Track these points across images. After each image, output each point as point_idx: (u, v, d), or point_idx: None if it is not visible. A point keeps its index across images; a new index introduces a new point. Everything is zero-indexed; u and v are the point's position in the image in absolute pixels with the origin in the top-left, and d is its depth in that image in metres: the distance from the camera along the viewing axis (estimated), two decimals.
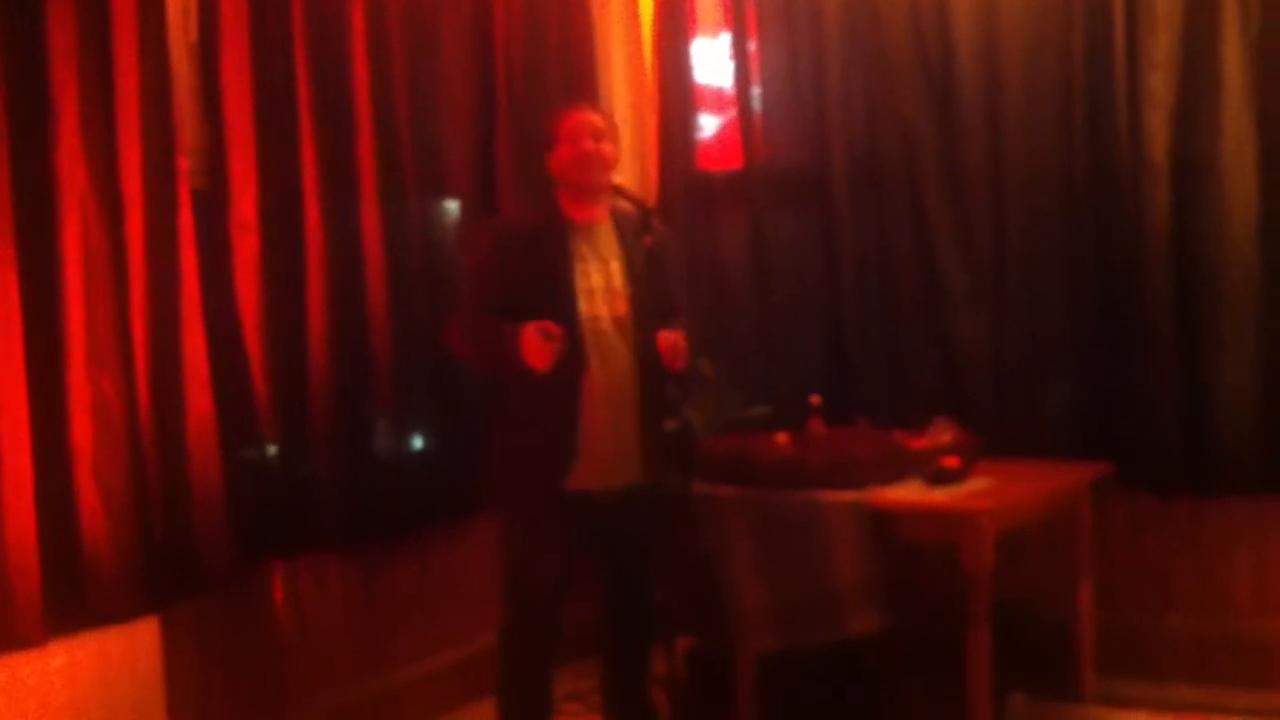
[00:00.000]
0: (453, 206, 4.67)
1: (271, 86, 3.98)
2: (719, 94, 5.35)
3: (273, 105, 3.98)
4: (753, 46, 5.13)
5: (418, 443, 4.51)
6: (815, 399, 4.42)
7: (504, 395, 3.76)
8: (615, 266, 3.73)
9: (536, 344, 3.49)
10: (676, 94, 5.25)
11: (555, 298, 3.61)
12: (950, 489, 3.97)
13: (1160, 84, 4.30)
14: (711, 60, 5.33)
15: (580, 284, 3.67)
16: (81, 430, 3.44)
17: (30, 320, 3.36)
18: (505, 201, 4.63)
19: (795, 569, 3.98)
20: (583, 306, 3.66)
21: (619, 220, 3.79)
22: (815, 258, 5.00)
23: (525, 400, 3.67)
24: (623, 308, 3.70)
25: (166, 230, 3.66)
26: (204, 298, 3.73)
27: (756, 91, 5.14)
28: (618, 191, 3.79)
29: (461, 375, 4.40)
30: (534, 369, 3.50)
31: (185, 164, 3.73)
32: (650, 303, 3.74)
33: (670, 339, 3.64)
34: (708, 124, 5.39)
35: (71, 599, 3.42)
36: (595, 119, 3.77)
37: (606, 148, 3.75)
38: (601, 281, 3.70)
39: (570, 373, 3.61)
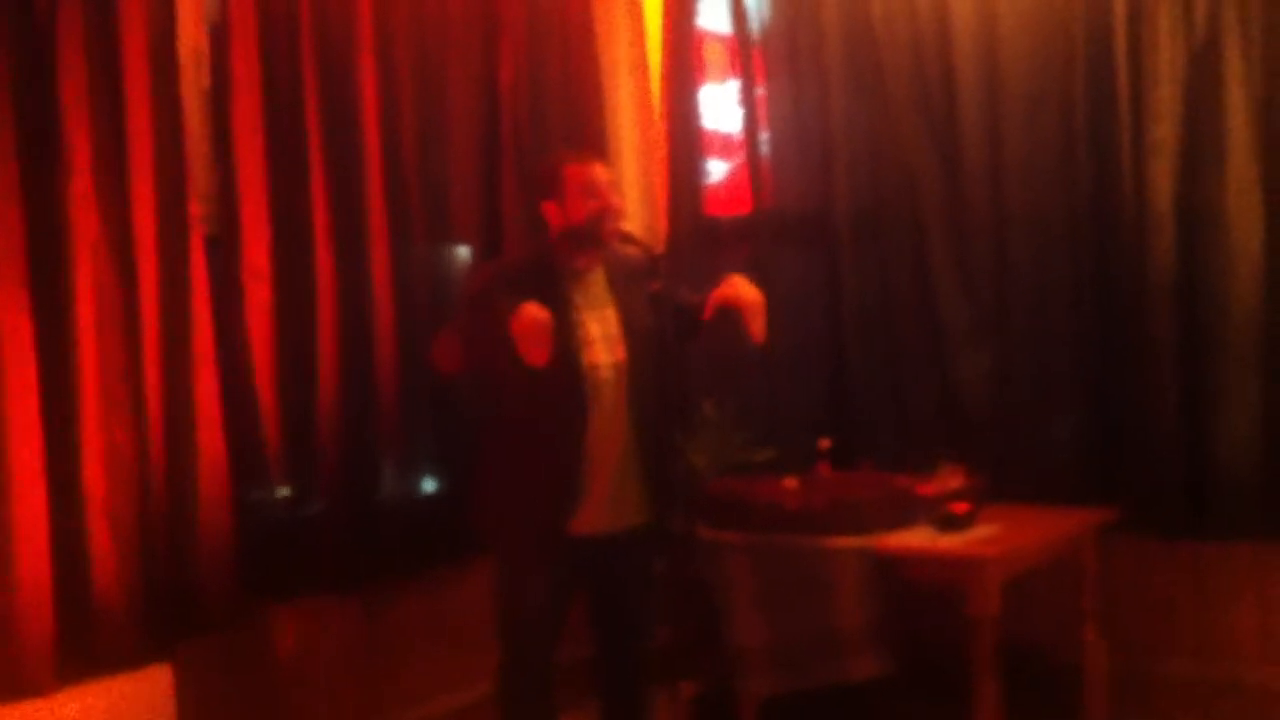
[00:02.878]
0: (461, 252, 4.70)
1: (283, 134, 4.03)
2: (727, 139, 5.39)
3: (284, 153, 4.03)
4: (760, 92, 5.17)
5: (424, 485, 4.53)
6: (824, 442, 4.44)
7: (504, 438, 3.75)
8: (610, 313, 3.73)
9: (529, 332, 3.40)
10: (684, 139, 5.28)
11: (556, 349, 3.59)
12: (958, 535, 3.98)
13: (1165, 134, 4.32)
14: (720, 106, 5.38)
15: (579, 333, 3.66)
16: (94, 475, 3.47)
17: (44, 365, 3.40)
18: (511, 246, 4.66)
19: (798, 613, 3.99)
20: (583, 356, 3.65)
21: (610, 266, 3.79)
22: (819, 301, 5.03)
23: (528, 444, 3.68)
24: (622, 354, 3.70)
25: (179, 277, 3.70)
26: (216, 343, 3.77)
27: (764, 137, 5.18)
28: (626, 239, 3.81)
29: (467, 419, 4.40)
30: (530, 355, 3.41)
31: (197, 211, 3.77)
32: (649, 349, 3.75)
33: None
34: (716, 169, 5.44)
35: (82, 645, 3.45)
36: (607, 172, 3.78)
37: (619, 200, 3.78)
38: (599, 330, 3.70)
39: (574, 419, 3.62)
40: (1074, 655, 4.35)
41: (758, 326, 3.69)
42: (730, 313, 3.71)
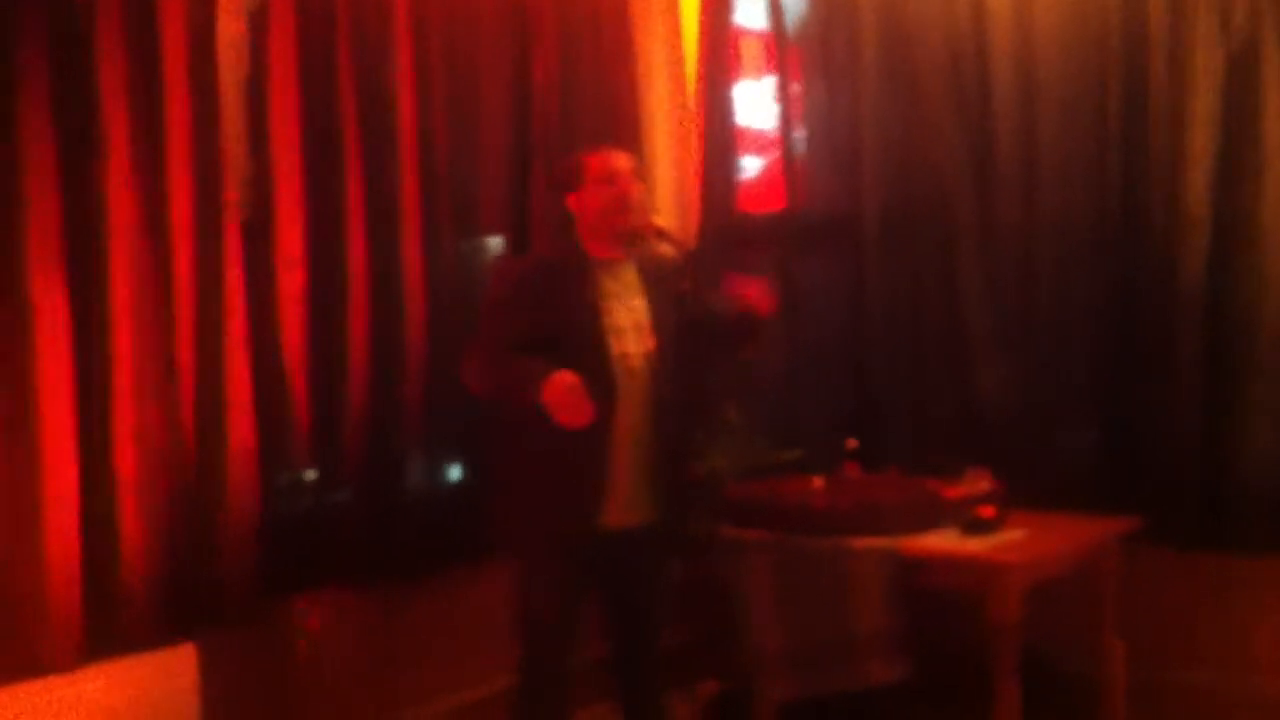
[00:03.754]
0: (491, 243, 4.72)
1: (318, 124, 4.05)
2: (761, 136, 5.38)
3: (319, 142, 4.05)
4: (795, 89, 5.17)
5: (449, 479, 4.55)
6: (851, 443, 4.44)
7: (527, 433, 3.68)
8: (639, 304, 3.71)
9: (564, 400, 3.43)
10: (718, 135, 5.28)
11: (585, 336, 3.59)
12: (984, 539, 3.98)
13: (1200, 142, 4.29)
14: (754, 102, 5.37)
15: (608, 322, 3.65)
16: (125, 457, 3.51)
17: (78, 346, 3.44)
18: (539, 238, 4.66)
19: (819, 616, 3.99)
20: (613, 344, 3.64)
21: (644, 261, 3.78)
22: (846, 302, 5.03)
23: (551, 437, 3.58)
24: (652, 344, 3.69)
25: (214, 263, 3.74)
26: (249, 329, 3.80)
27: (799, 134, 5.17)
28: (660, 234, 3.79)
29: (491, 413, 4.38)
30: (559, 422, 3.44)
31: (233, 198, 3.80)
32: (675, 346, 3.74)
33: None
34: (749, 166, 5.42)
35: (109, 624, 3.48)
36: (630, 160, 3.76)
37: (642, 188, 3.78)
38: (629, 319, 3.68)
39: (601, 410, 3.56)
40: (1093, 664, 4.34)
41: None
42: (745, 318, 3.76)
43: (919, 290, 4.88)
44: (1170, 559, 4.42)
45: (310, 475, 4.11)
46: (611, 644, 3.87)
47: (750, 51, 5.37)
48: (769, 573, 4.09)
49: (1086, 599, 4.34)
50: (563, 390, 3.41)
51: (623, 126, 5.04)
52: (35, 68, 3.37)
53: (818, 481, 4.34)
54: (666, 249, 3.81)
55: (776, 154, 5.25)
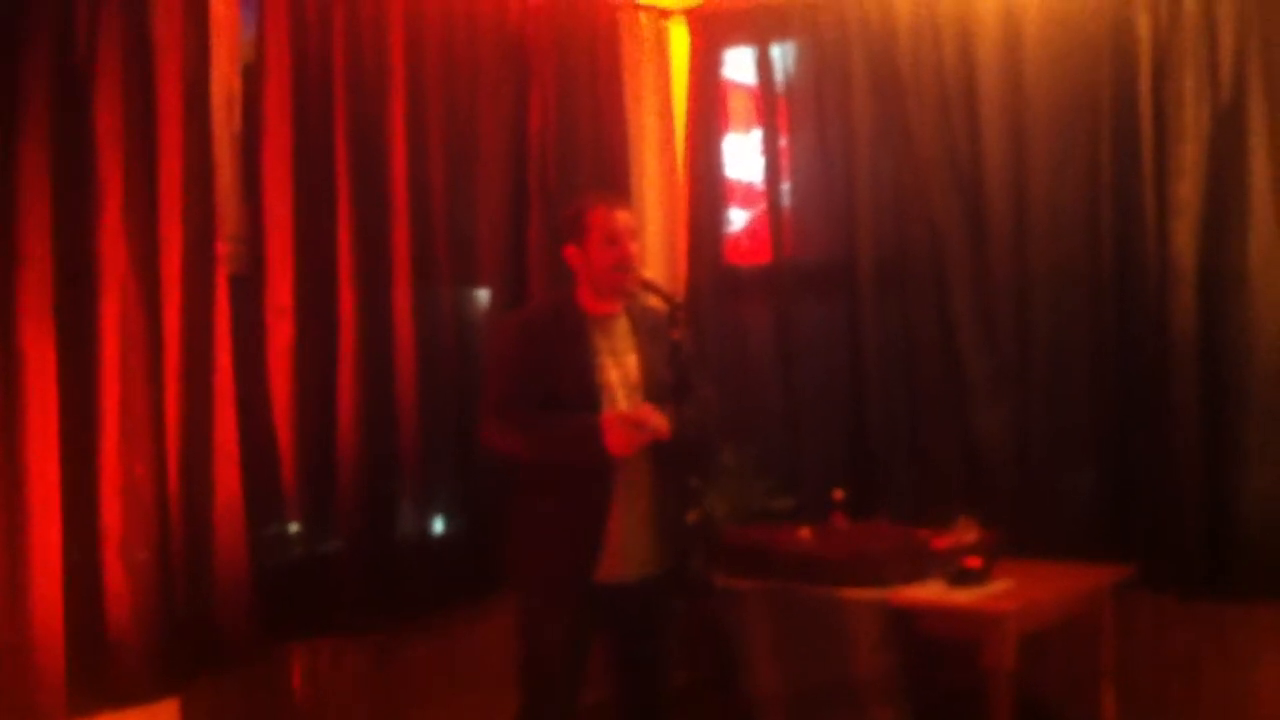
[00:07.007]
0: (484, 295, 4.72)
1: (311, 176, 4.07)
2: (749, 189, 5.41)
3: (311, 194, 4.07)
4: (784, 143, 5.20)
5: (440, 525, 4.54)
6: (838, 493, 4.44)
7: (530, 484, 3.75)
8: (631, 360, 3.73)
9: (624, 434, 3.55)
10: (707, 188, 5.32)
11: (578, 393, 3.62)
12: (972, 589, 3.97)
13: (1188, 191, 4.32)
14: (743, 155, 5.40)
15: (600, 379, 3.68)
16: (111, 510, 3.50)
17: (66, 398, 3.43)
18: (535, 292, 4.68)
19: (813, 665, 3.98)
20: (605, 402, 3.66)
21: (634, 313, 3.80)
22: (840, 352, 5.03)
23: (553, 491, 3.67)
24: (640, 400, 3.71)
25: (203, 314, 3.74)
26: (237, 381, 3.79)
27: (786, 187, 5.20)
28: (647, 286, 3.81)
29: (484, 461, 4.34)
30: (612, 457, 3.56)
31: (224, 249, 3.81)
32: (668, 396, 3.74)
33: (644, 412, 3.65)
34: (737, 218, 5.46)
35: (94, 677, 3.46)
36: (631, 219, 3.78)
37: (639, 247, 3.79)
38: (619, 375, 3.70)
39: (598, 465, 3.61)
40: (1090, 714, 4.32)
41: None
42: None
43: (913, 340, 4.89)
44: (1168, 606, 4.41)
45: (294, 527, 4.08)
46: (616, 689, 3.86)
47: (739, 105, 5.41)
48: (764, 620, 4.08)
49: (1082, 646, 4.33)
50: (616, 424, 3.55)
51: (614, 178, 5.06)
52: (33, 119, 3.39)
53: (805, 531, 4.33)
54: (654, 300, 3.82)
55: (763, 206, 5.27)
